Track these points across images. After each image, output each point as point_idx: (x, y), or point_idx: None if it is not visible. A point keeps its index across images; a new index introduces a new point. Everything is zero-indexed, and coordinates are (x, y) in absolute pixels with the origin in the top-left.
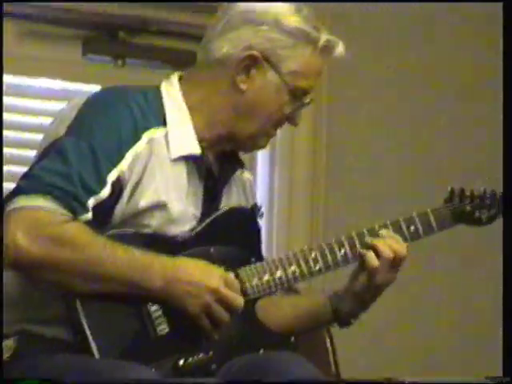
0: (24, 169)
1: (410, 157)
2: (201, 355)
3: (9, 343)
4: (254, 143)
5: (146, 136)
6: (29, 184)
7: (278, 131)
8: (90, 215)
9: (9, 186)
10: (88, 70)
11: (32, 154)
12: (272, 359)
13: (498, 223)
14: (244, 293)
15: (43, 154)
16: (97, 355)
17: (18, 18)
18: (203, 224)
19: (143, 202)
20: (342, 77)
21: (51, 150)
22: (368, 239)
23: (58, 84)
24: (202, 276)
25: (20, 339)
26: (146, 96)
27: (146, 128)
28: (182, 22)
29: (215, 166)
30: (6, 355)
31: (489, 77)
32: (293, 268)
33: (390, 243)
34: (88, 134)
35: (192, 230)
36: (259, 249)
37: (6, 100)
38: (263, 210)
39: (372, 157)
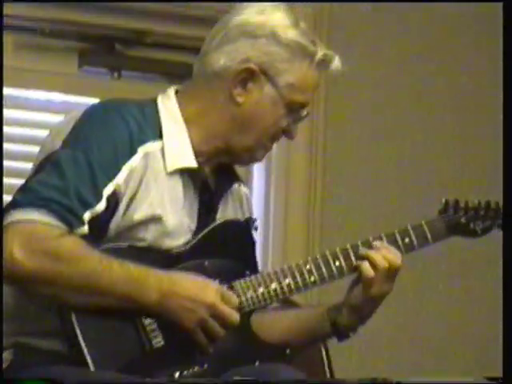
0: (21, 181)
1: (407, 169)
2: (196, 368)
3: (4, 356)
4: (250, 156)
5: (141, 149)
6: (25, 197)
7: (274, 144)
8: (85, 229)
9: (6, 198)
10: (84, 83)
11: (29, 166)
12: (265, 371)
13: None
14: (239, 305)
15: (39, 167)
16: (92, 368)
17: (14, 31)
18: (198, 237)
19: (138, 215)
20: (339, 89)
21: (47, 163)
22: (362, 250)
23: (54, 96)
24: (198, 291)
25: (16, 352)
26: (143, 109)
27: (142, 141)
28: (178, 35)
29: (211, 179)
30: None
31: (488, 90)
32: (288, 280)
33: (384, 254)
34: (84, 148)
35: (187, 243)
36: (254, 261)
37: (3, 112)
38: (258, 223)
39: (368, 169)
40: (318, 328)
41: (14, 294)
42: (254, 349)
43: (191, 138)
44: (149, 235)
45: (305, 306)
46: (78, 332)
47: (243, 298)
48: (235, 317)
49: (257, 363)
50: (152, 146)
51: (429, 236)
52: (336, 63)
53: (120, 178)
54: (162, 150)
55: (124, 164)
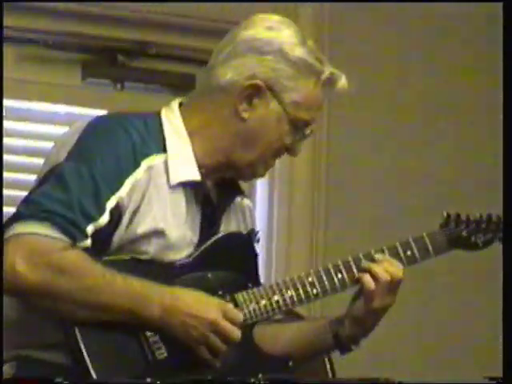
0: (23, 193)
1: (410, 181)
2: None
3: (6, 369)
4: (252, 171)
5: (145, 163)
6: (28, 210)
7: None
8: (89, 242)
9: (9, 210)
10: (87, 94)
11: (31, 178)
12: None
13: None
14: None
15: (44, 179)
16: None
17: (17, 43)
18: (201, 249)
19: (141, 229)
20: (342, 102)
21: (51, 176)
22: (364, 263)
23: (57, 108)
24: (200, 307)
25: (18, 364)
26: (146, 122)
27: (146, 155)
28: (181, 46)
29: (213, 192)
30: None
31: (488, 101)
32: (290, 293)
33: (386, 266)
34: (88, 160)
35: (189, 255)
36: (256, 274)
37: (6, 124)
38: (260, 235)
39: (371, 182)
40: (320, 340)
41: (15, 306)
42: (256, 361)
43: (194, 152)
44: (151, 248)
45: (307, 318)
46: (82, 345)
47: (246, 311)
48: (236, 334)
49: (259, 375)
50: (155, 159)
51: (430, 248)
52: (342, 82)
53: (123, 192)
54: (166, 164)
55: (127, 177)
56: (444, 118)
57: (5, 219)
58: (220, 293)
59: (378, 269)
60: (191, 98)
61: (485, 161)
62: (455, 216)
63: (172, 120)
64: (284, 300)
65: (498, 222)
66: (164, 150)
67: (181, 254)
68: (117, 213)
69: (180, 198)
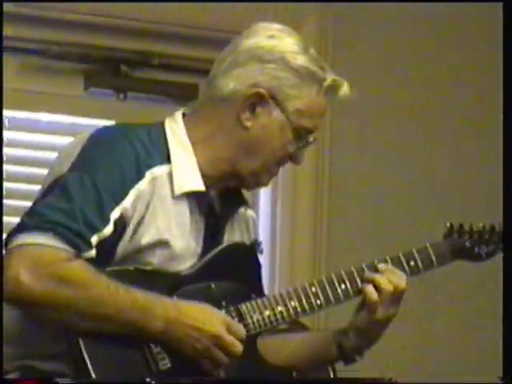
0: (26, 203)
1: (413, 193)
2: None
3: (9, 379)
4: (256, 180)
5: (149, 173)
6: (32, 221)
7: (281, 168)
8: (93, 252)
9: (12, 220)
10: (90, 104)
11: (34, 188)
12: None
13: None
14: (245, 328)
15: (48, 190)
16: None
17: (19, 53)
18: (204, 260)
19: (145, 239)
20: (344, 111)
21: (55, 186)
22: (368, 273)
23: (60, 118)
24: (203, 320)
25: (22, 374)
26: (150, 133)
27: (150, 165)
28: (184, 56)
29: (217, 202)
30: None
31: (490, 111)
32: (294, 303)
33: (388, 276)
34: (92, 171)
35: (193, 266)
36: (260, 284)
37: (8, 134)
38: (263, 246)
39: (374, 193)
40: (324, 351)
41: (19, 316)
42: (260, 371)
43: (198, 162)
44: (155, 259)
45: (311, 329)
46: (86, 355)
47: (249, 321)
48: (238, 348)
49: None
50: (159, 170)
51: (433, 258)
52: (345, 90)
53: (127, 202)
54: (170, 174)
55: (131, 188)
56: (447, 130)
57: (7, 229)
58: (223, 303)
59: (381, 279)
60: (194, 108)
61: (488, 171)
62: (458, 227)
63: (176, 131)
64: (288, 310)
65: (501, 232)
66: (168, 160)
67: (185, 265)
68: (121, 223)
69: (184, 208)
